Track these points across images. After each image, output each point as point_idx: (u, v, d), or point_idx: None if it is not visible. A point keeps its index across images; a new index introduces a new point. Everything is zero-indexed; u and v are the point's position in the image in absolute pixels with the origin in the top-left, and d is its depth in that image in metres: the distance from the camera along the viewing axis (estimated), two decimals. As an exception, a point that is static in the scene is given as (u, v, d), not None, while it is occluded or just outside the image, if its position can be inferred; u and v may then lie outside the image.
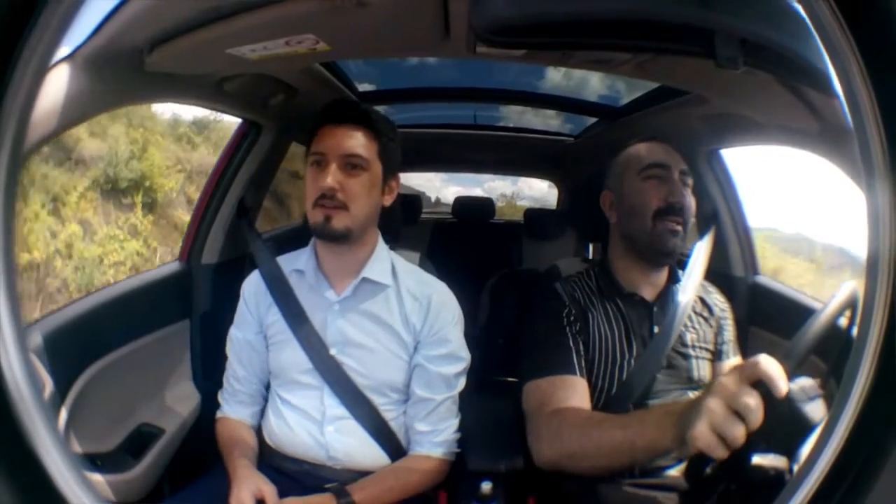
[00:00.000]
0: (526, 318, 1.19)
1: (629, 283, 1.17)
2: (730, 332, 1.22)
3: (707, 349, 1.17)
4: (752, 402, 0.68)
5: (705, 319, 1.19)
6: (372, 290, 1.13)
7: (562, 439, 0.95)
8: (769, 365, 0.69)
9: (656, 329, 1.13)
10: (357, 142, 1.07)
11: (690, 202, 1.12)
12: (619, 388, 1.10)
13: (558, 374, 1.06)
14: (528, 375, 1.09)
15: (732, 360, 1.20)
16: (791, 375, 0.72)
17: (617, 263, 1.19)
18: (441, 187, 6.70)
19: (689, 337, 1.15)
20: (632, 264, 1.17)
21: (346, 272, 1.13)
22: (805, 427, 0.72)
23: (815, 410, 0.73)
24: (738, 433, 0.68)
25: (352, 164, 1.06)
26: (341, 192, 1.05)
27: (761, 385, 0.69)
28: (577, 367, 1.08)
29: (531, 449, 1.02)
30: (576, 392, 1.05)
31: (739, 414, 0.68)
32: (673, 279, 1.18)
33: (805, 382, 0.76)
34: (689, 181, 1.13)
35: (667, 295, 1.17)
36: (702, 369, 1.15)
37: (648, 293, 1.17)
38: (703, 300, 1.22)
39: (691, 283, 1.19)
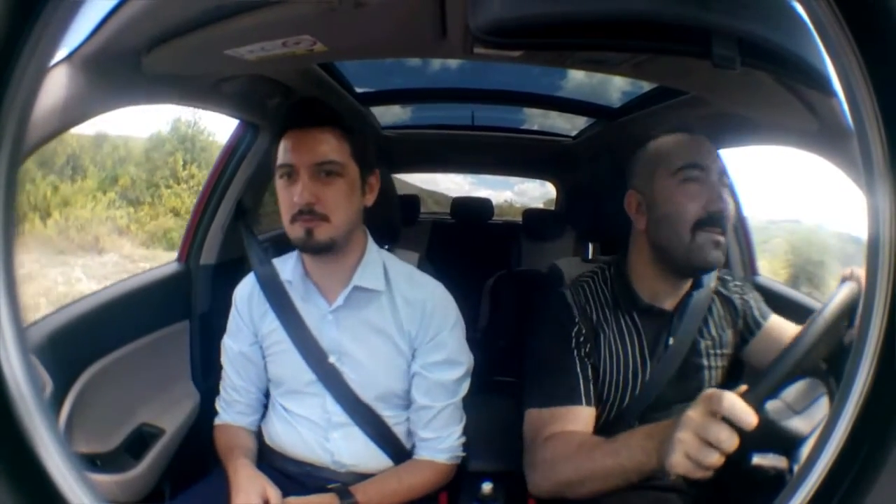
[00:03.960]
0: (532, 330, 1.11)
1: (650, 293, 1.07)
2: (756, 302, 1.15)
3: (723, 354, 1.11)
4: (721, 434, 0.69)
5: (727, 320, 1.12)
6: (365, 298, 1.08)
7: (556, 471, 0.94)
8: (732, 405, 0.70)
9: (671, 341, 1.07)
10: (328, 146, 0.99)
11: (731, 208, 0.99)
12: (630, 402, 1.06)
13: (563, 405, 1.01)
14: (531, 402, 1.03)
15: (770, 319, 1.13)
16: (761, 404, 0.73)
17: (639, 272, 1.08)
18: (471, 190, 6.72)
19: (704, 344, 1.08)
20: (658, 274, 1.06)
21: (336, 280, 1.08)
22: (793, 441, 0.73)
23: (804, 422, 0.75)
24: (713, 460, 0.70)
25: (326, 172, 0.99)
26: (318, 204, 0.98)
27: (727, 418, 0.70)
28: (583, 395, 1.01)
29: (527, 479, 1.00)
30: (578, 422, 1.00)
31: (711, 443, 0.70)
32: (696, 286, 1.08)
33: (796, 391, 0.76)
34: (727, 181, 1.00)
35: (686, 303, 1.08)
36: (713, 379, 1.09)
37: (669, 304, 1.08)
38: (722, 296, 1.13)
39: (706, 290, 1.10)
